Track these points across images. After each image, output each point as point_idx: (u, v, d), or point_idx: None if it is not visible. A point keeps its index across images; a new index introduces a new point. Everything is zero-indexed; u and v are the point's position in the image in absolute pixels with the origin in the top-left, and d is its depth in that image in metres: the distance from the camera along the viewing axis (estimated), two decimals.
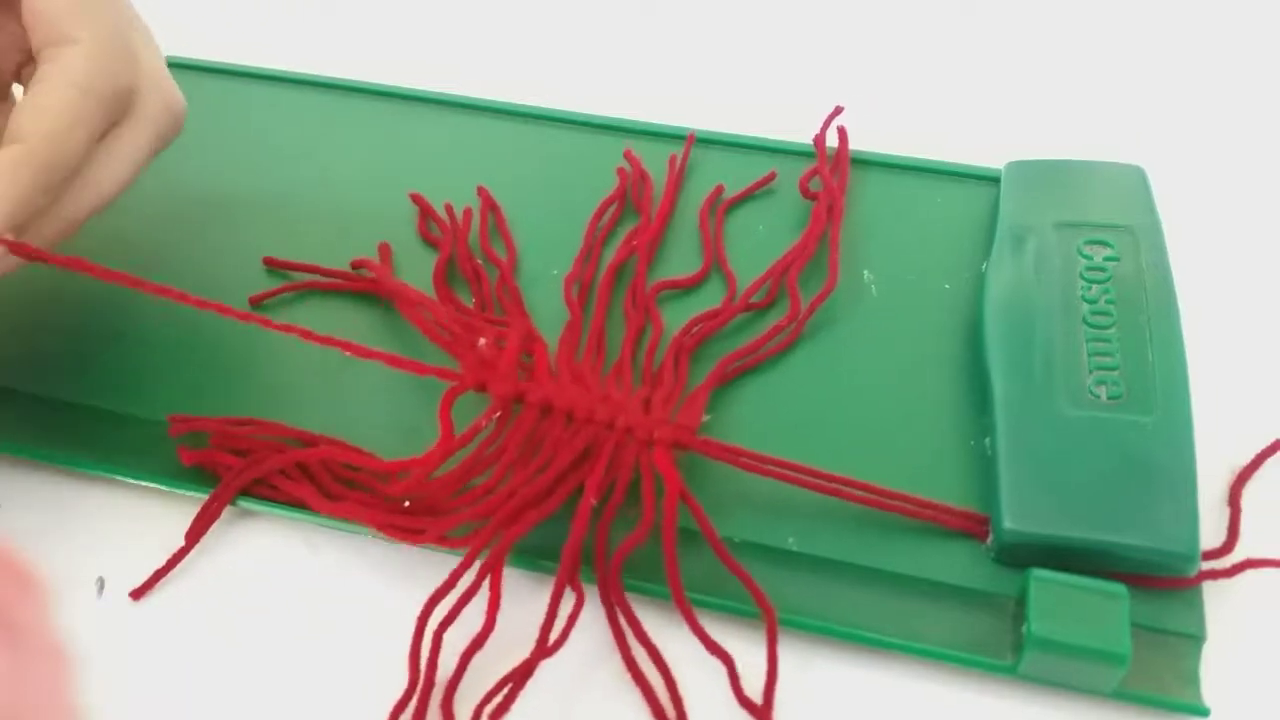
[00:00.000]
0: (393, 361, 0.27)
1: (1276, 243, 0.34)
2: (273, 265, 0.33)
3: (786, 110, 0.37)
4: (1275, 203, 0.36)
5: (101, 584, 0.27)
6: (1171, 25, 0.43)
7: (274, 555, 0.28)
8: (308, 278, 0.33)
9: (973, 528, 0.26)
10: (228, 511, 0.28)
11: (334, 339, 0.26)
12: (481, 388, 0.27)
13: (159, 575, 0.27)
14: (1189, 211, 0.35)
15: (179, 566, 0.27)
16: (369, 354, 0.27)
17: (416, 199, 0.35)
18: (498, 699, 0.24)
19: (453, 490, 0.26)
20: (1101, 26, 0.44)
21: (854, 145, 0.36)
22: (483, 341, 0.28)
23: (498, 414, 0.27)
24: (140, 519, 0.28)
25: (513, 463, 0.26)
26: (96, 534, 0.28)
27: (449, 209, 0.34)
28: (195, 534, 0.27)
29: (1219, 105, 0.40)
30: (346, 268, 0.33)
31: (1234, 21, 0.43)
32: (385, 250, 0.33)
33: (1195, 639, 0.24)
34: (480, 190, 0.35)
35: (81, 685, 0.16)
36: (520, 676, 0.24)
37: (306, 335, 0.27)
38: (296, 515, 0.27)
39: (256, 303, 0.32)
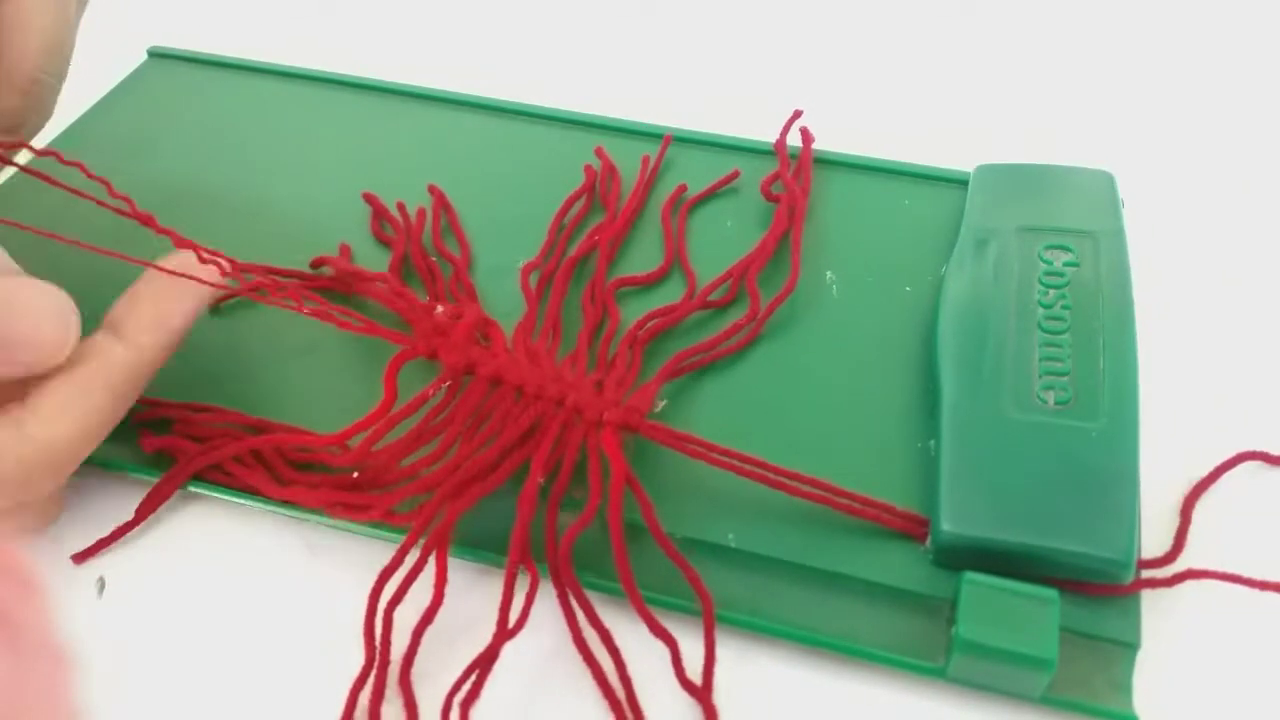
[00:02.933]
0: (346, 325, 0.27)
1: (1247, 255, 0.34)
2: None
3: (760, 110, 0.37)
4: (1250, 213, 0.35)
5: (102, 584, 0.27)
6: (1160, 29, 0.43)
7: (251, 544, 0.28)
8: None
9: (913, 529, 0.26)
10: (214, 502, 0.28)
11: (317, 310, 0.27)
12: (433, 355, 0.27)
13: (102, 544, 0.27)
14: (1166, 219, 0.35)
15: (153, 561, 0.28)
16: (333, 319, 0.27)
17: (369, 198, 0.35)
18: (466, 686, 0.24)
19: (399, 459, 0.27)
20: (1088, 29, 0.43)
21: (828, 145, 0.36)
22: (440, 309, 0.28)
23: (447, 383, 0.27)
24: (113, 505, 0.28)
25: (459, 434, 0.27)
26: (66, 521, 0.28)
27: (401, 207, 0.35)
28: (144, 511, 0.28)
29: (1196, 113, 0.39)
30: (304, 265, 0.33)
31: (1226, 27, 0.43)
32: (345, 252, 0.34)
33: (1129, 647, 0.24)
34: (432, 188, 0.35)
35: (77, 684, 0.17)
36: (485, 662, 0.24)
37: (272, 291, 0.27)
38: (251, 503, 0.28)
39: (214, 306, 0.32)
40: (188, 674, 0.26)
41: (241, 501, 0.28)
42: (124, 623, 0.27)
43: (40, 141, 0.37)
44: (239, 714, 0.25)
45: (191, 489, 0.28)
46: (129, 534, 0.28)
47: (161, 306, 0.26)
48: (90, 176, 0.28)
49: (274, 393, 0.30)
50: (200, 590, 0.27)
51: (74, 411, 0.24)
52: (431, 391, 0.27)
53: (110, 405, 0.25)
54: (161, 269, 0.27)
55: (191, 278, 0.27)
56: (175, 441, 0.28)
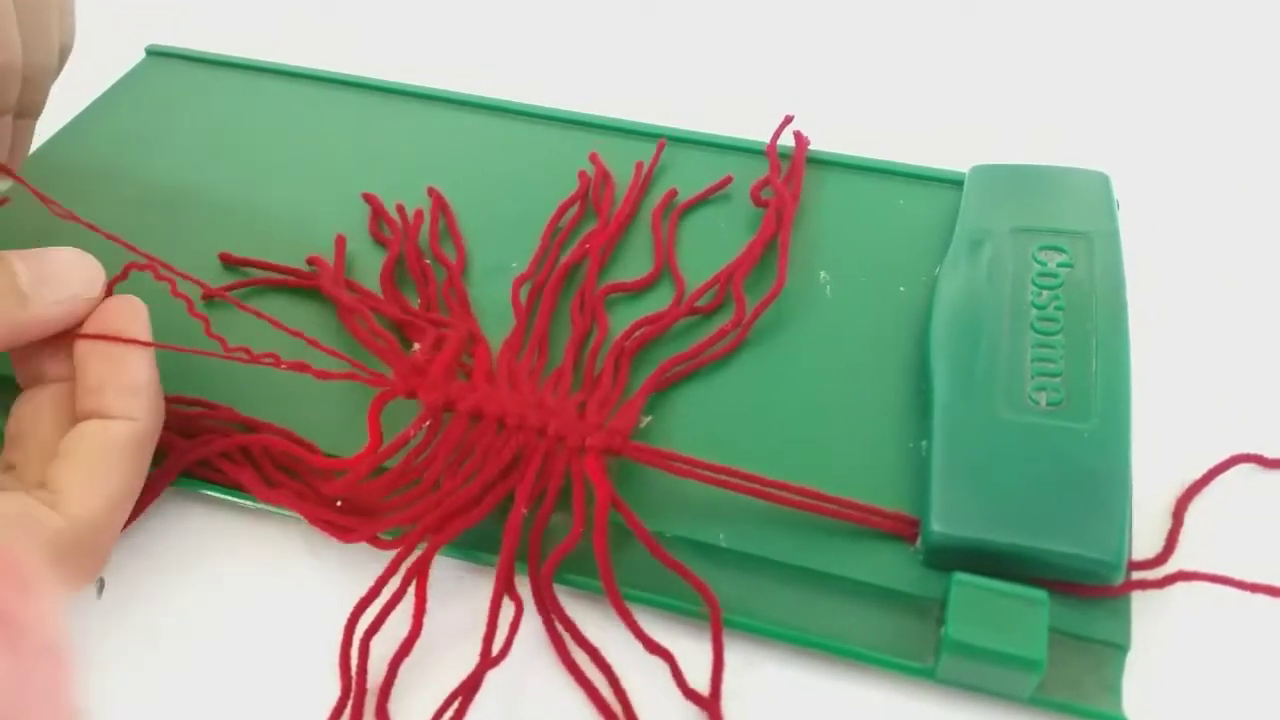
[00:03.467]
0: (322, 374, 0.27)
1: (1242, 256, 0.34)
2: (228, 261, 0.33)
3: (758, 110, 0.37)
4: (1246, 214, 0.35)
5: (101, 584, 0.27)
6: (1156, 29, 0.43)
7: (250, 543, 0.28)
8: (260, 274, 0.33)
9: (903, 530, 0.26)
10: (214, 501, 0.28)
11: (266, 355, 0.27)
12: (412, 394, 0.27)
13: None
14: (1162, 219, 0.35)
15: (153, 560, 0.27)
16: (300, 368, 0.27)
17: (369, 199, 0.35)
18: (448, 716, 0.24)
19: (385, 494, 0.27)
20: (1084, 29, 0.43)
21: (824, 145, 0.36)
22: (416, 347, 0.28)
23: (427, 423, 0.27)
24: None
25: (443, 470, 0.27)
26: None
27: (400, 209, 0.35)
28: (135, 510, 0.27)
29: (1193, 114, 0.39)
30: (302, 262, 0.33)
31: (1223, 27, 0.43)
32: (340, 243, 0.34)
33: (1119, 648, 0.24)
34: (430, 191, 0.35)
35: (77, 684, 0.17)
36: (468, 690, 0.24)
37: (250, 353, 0.27)
38: (248, 501, 0.28)
39: (210, 298, 0.32)
40: (188, 673, 0.26)
41: (240, 500, 0.28)
42: (123, 622, 0.26)
43: (38, 139, 0.38)
44: (238, 712, 0.25)
45: (188, 488, 0.28)
46: (128, 533, 0.28)
47: (125, 376, 0.26)
48: (59, 214, 0.28)
49: (263, 389, 0.30)
50: (200, 589, 0.27)
51: (100, 489, 0.24)
52: (412, 432, 0.27)
53: (130, 476, 0.25)
54: (96, 336, 0.26)
55: (128, 340, 0.26)
56: (163, 436, 0.28)
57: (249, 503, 0.28)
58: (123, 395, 0.25)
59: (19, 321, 0.25)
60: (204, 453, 0.28)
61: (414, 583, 0.25)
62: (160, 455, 0.28)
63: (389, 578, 0.25)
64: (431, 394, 0.27)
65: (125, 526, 0.27)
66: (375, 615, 0.25)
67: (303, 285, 0.33)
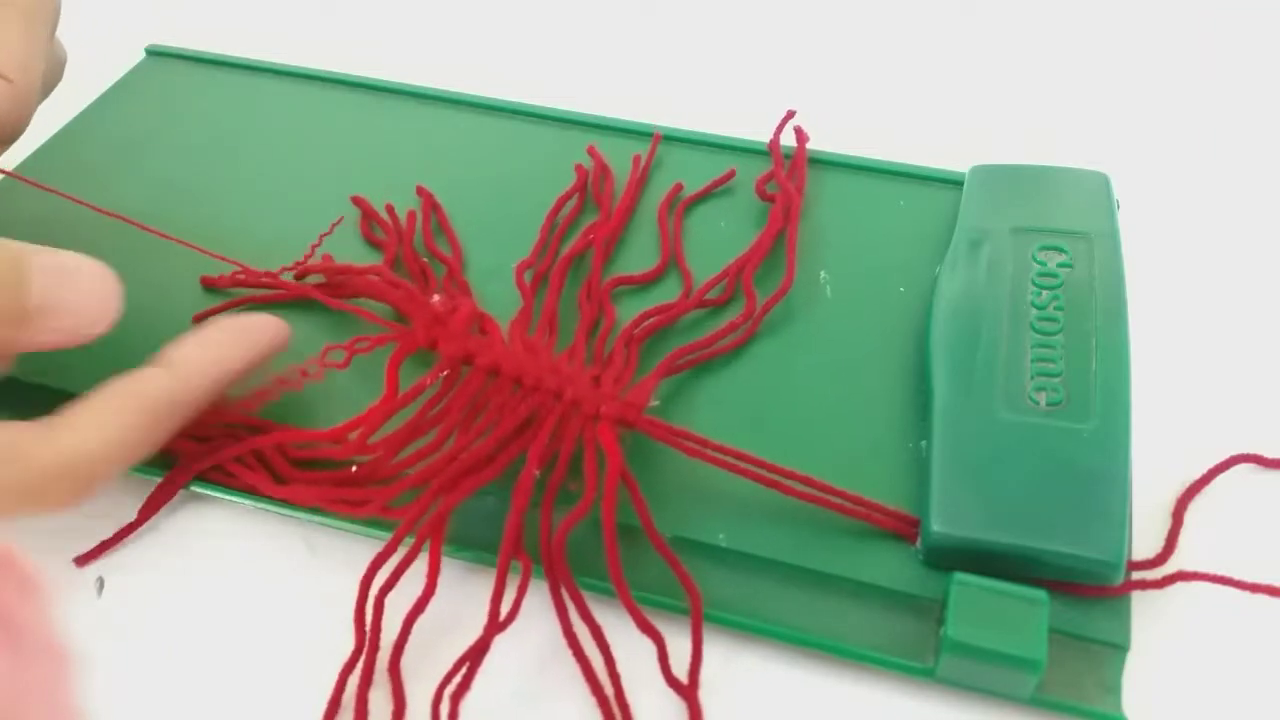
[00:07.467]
0: (346, 308, 0.27)
1: (1241, 256, 0.34)
2: (210, 285, 0.33)
3: (756, 110, 0.37)
4: (1244, 214, 0.35)
5: (101, 583, 0.27)
6: (1156, 29, 0.43)
7: (252, 544, 0.28)
8: (246, 292, 0.32)
9: (903, 529, 0.26)
10: (214, 501, 0.28)
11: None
12: (433, 345, 0.27)
13: (105, 546, 0.27)
14: (1161, 219, 0.35)
15: (153, 559, 0.28)
16: (338, 305, 0.27)
17: (358, 201, 0.35)
18: (457, 679, 0.24)
19: (396, 451, 0.27)
20: (1084, 29, 0.43)
21: (824, 145, 0.36)
22: (437, 298, 0.28)
23: (444, 373, 0.27)
24: (114, 504, 0.28)
25: (456, 425, 0.27)
26: (67, 519, 0.28)
27: (390, 209, 0.35)
28: (147, 512, 0.28)
29: (1192, 114, 0.39)
30: (294, 262, 0.33)
31: (1222, 27, 0.43)
32: (328, 262, 0.33)
33: (1119, 648, 0.24)
34: (420, 190, 0.35)
35: (77, 684, 0.17)
36: (476, 654, 0.24)
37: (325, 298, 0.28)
38: (251, 502, 0.28)
39: (200, 319, 0.32)
40: (187, 673, 0.26)
41: (242, 501, 0.28)
42: (123, 622, 0.26)
43: (36, 139, 0.38)
44: (238, 713, 0.25)
45: (191, 488, 0.28)
46: (88, 522, 0.28)
47: (214, 351, 0.26)
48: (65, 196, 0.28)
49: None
50: (200, 589, 0.27)
51: (106, 426, 0.24)
52: (429, 381, 0.27)
53: (144, 427, 0.24)
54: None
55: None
56: (174, 440, 0.28)
57: (248, 501, 0.28)
58: (190, 362, 0.26)
59: (7, 340, 0.23)
60: (217, 458, 0.28)
61: (428, 541, 0.25)
62: (170, 458, 0.28)
63: (403, 535, 0.25)
64: (451, 345, 0.27)
65: (134, 528, 0.28)
66: (390, 573, 0.25)
67: (293, 297, 0.32)
